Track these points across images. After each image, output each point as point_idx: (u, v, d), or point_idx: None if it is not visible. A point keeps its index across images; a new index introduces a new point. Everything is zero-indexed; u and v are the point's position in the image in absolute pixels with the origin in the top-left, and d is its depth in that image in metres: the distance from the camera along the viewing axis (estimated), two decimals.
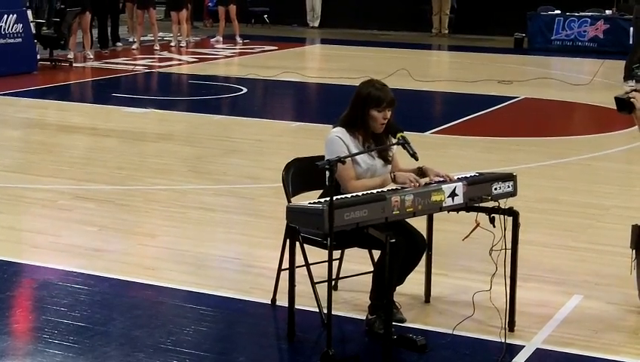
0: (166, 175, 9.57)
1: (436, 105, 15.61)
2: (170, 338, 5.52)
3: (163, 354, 5.31)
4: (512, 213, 5.57)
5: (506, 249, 5.50)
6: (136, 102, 14.19)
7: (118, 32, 21.62)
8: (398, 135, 5.64)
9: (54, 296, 6.19)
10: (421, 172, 5.64)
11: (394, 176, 5.57)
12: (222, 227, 7.87)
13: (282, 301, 5.84)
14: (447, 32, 25.48)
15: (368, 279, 5.74)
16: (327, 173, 5.05)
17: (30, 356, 5.29)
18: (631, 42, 19.34)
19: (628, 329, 5.80)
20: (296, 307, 5.58)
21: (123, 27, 22.49)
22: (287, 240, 5.60)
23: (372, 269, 5.75)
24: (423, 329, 5.70)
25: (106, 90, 15.60)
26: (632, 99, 5.86)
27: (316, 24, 27.57)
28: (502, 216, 5.50)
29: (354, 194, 5.35)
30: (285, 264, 5.67)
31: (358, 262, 6.26)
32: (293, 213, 5.26)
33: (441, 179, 5.53)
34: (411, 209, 5.26)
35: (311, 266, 5.74)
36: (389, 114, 5.65)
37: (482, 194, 5.56)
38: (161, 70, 18.28)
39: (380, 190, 5.39)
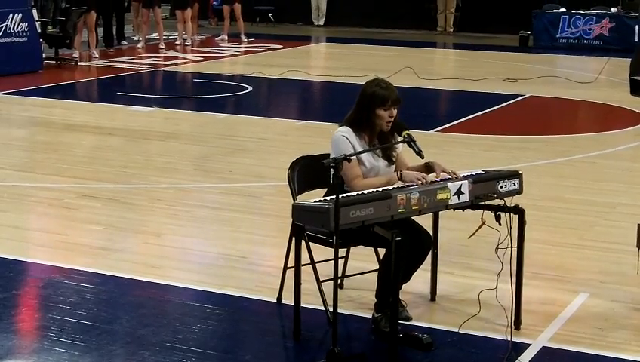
0: (171, 173, 9.57)
1: (441, 104, 15.60)
2: (176, 337, 5.52)
3: (169, 352, 5.31)
4: (518, 210, 5.56)
5: (511, 247, 5.49)
6: (141, 101, 14.20)
7: (124, 30, 21.64)
8: (404, 133, 5.64)
9: (60, 294, 6.20)
10: (428, 167, 5.65)
11: (401, 174, 5.57)
12: (227, 225, 7.87)
13: (288, 299, 5.84)
14: (452, 30, 25.49)
15: (374, 277, 5.74)
16: (332, 170, 5.05)
17: (36, 354, 5.29)
18: (637, 40, 19.35)
19: (634, 328, 5.78)
20: (302, 305, 5.58)
21: (128, 26, 22.50)
22: (293, 239, 5.60)
23: (378, 267, 5.75)
24: (428, 327, 5.70)
25: (112, 89, 15.61)
26: None
27: (321, 22, 27.57)
28: (508, 214, 5.49)
29: (360, 192, 5.35)
30: (291, 262, 5.67)
31: (364, 260, 6.25)
32: (299, 211, 5.25)
33: (447, 176, 5.54)
34: (417, 207, 5.26)
35: (317, 264, 5.74)
36: (394, 112, 5.65)
37: (488, 192, 5.55)
38: (166, 69, 18.28)
39: (385, 188, 5.39)
